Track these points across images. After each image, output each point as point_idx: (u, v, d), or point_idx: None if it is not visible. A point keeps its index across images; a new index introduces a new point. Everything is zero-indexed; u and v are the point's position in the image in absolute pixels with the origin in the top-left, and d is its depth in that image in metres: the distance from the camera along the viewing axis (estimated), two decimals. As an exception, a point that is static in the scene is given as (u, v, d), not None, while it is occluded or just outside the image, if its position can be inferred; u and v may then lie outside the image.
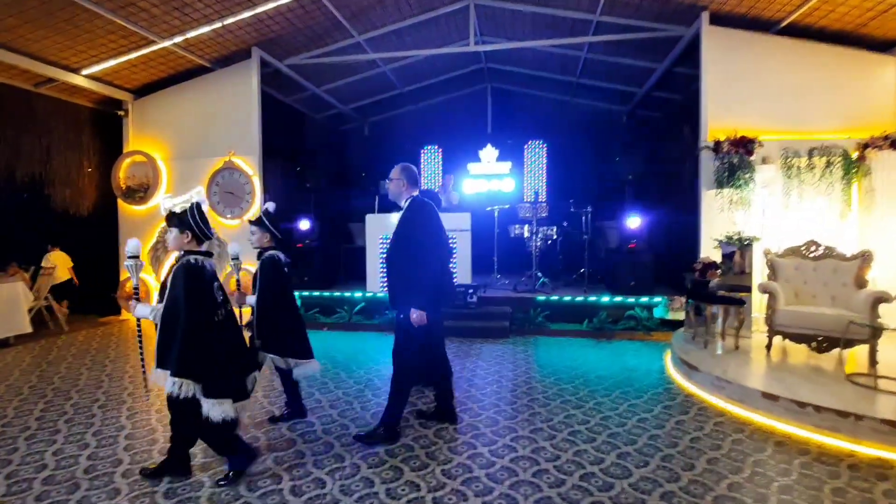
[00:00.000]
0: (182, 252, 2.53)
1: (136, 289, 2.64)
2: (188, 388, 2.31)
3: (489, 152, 9.76)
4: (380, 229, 6.96)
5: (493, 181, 9.67)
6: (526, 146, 9.93)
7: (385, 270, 3.70)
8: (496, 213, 7.51)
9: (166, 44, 6.25)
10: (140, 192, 7.06)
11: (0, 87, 6.25)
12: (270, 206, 3.33)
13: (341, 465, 2.69)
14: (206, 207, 2.68)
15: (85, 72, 6.51)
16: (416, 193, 3.03)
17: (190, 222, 2.50)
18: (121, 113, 7.29)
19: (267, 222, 3.18)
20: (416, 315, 2.82)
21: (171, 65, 6.94)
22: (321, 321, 6.61)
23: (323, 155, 10.36)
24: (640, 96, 8.92)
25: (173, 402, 2.35)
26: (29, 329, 5.63)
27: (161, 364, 2.38)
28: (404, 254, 2.92)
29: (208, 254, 2.58)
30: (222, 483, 2.47)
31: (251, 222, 3.25)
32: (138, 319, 2.51)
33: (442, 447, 2.90)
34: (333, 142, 11.23)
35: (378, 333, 6.18)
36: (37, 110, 6.73)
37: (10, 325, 5.45)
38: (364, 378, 4.30)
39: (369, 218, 7.11)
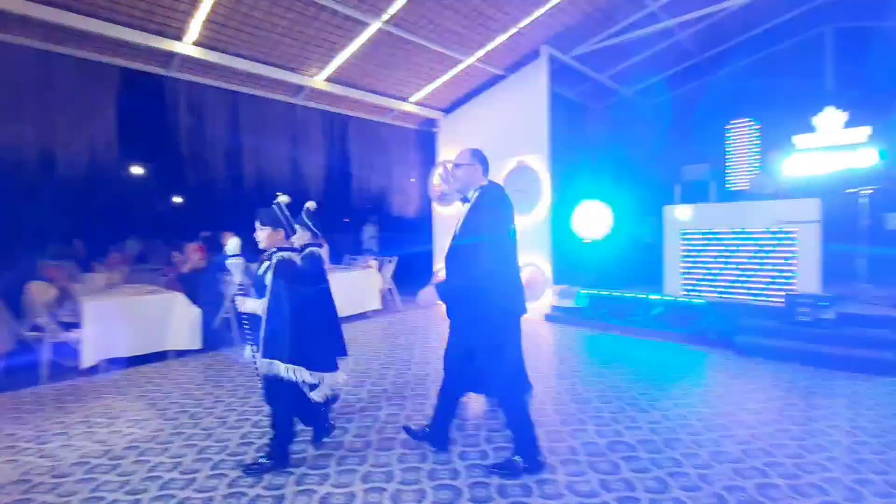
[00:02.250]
0: (275, 248, 2.60)
1: (241, 285, 2.72)
2: (298, 373, 2.49)
3: (831, 117, 7.17)
4: (681, 222, 5.95)
5: (840, 154, 7.05)
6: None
7: (447, 271, 2.62)
8: (860, 198, 5.33)
9: (470, 60, 6.95)
10: (450, 196, 8.16)
11: (360, 121, 8.26)
12: (311, 204, 3.22)
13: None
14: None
15: (412, 99, 7.92)
16: (486, 182, 2.59)
17: (281, 220, 2.64)
18: (435, 130, 8.61)
19: (307, 220, 3.01)
20: (427, 294, 2.44)
21: (472, 80, 7.72)
22: (610, 323, 6.12)
23: (606, 146, 9.81)
24: None
25: (279, 387, 2.52)
26: (379, 306, 7.25)
27: (267, 354, 2.51)
28: (475, 249, 2.39)
29: (295, 249, 2.71)
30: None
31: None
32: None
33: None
34: (615, 131, 10.51)
35: (681, 345, 5.25)
36: (381, 136, 8.65)
37: (368, 301, 7.12)
38: (660, 398, 3.60)
39: (669, 210, 6.17)
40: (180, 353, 5.01)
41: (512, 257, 2.55)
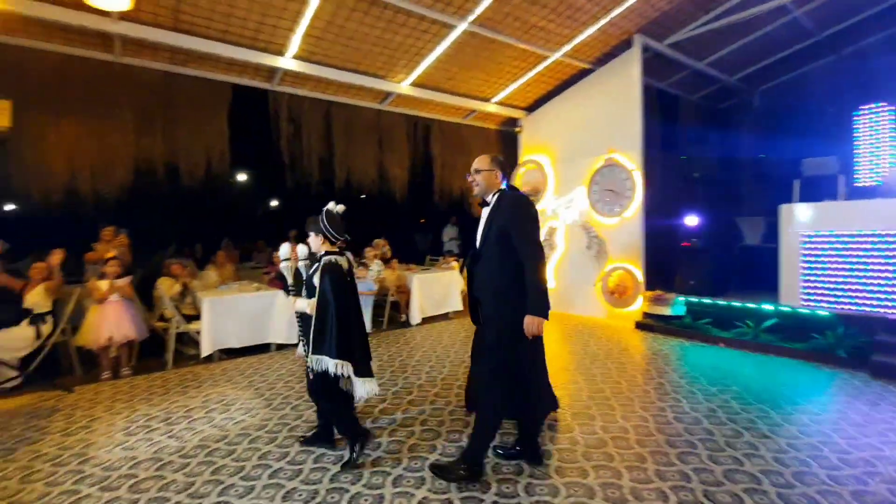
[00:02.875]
0: (323, 252, 2.77)
1: (290, 287, 2.91)
2: (345, 368, 2.61)
3: None
4: (802, 222, 5.27)
5: None
6: None
7: (468, 281, 2.65)
8: None
9: (556, 56, 6.72)
10: (532, 196, 7.98)
11: (442, 123, 8.34)
12: (332, 206, 3.05)
13: None
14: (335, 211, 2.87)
15: (494, 100, 7.84)
16: (504, 186, 2.64)
17: (322, 228, 2.77)
18: (517, 129, 8.46)
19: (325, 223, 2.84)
20: (533, 324, 2.35)
21: (558, 76, 7.46)
22: (714, 335, 5.57)
23: (703, 140, 9.02)
24: None
25: (327, 383, 2.65)
26: (461, 308, 7.27)
27: (316, 350, 2.62)
28: (502, 256, 2.44)
29: (341, 252, 2.84)
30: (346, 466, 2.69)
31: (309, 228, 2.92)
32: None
33: None
34: (713, 123, 9.62)
35: (801, 363, 4.64)
36: (463, 137, 8.67)
37: (450, 303, 7.17)
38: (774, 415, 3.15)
39: (787, 209, 5.48)
40: (280, 346, 5.39)
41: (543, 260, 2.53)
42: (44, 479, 2.63)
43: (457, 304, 7.26)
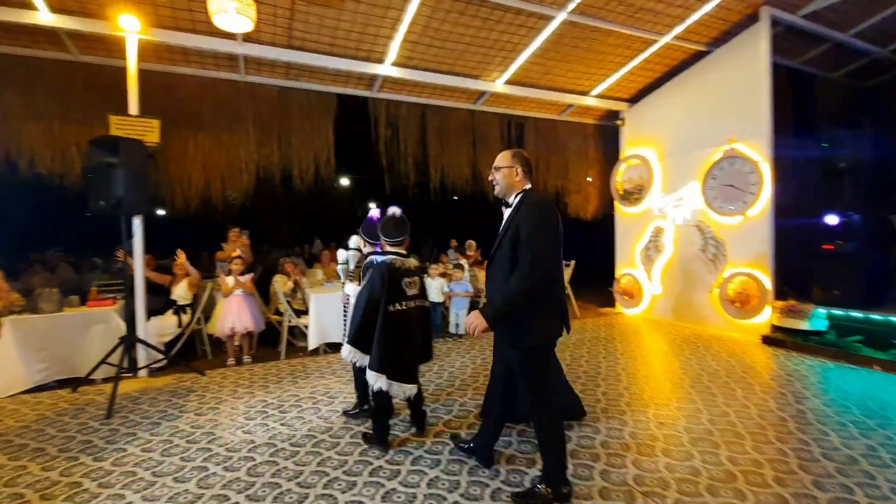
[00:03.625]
0: (367, 251, 3.28)
1: (350, 273, 3.57)
2: (356, 356, 2.94)
3: None
4: None
5: None
6: None
7: (486, 285, 2.55)
8: None
9: (665, 39, 6.13)
10: (635, 194, 7.40)
11: (536, 120, 8.08)
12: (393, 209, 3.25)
13: None
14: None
15: (593, 93, 7.40)
16: (529, 186, 2.44)
17: (360, 232, 3.28)
18: (619, 122, 7.91)
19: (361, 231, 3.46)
20: (475, 319, 2.31)
21: (666, 62, 6.82)
22: (867, 355, 4.67)
23: (847, 124, 7.64)
24: None
25: (356, 370, 3.06)
26: (555, 312, 6.97)
27: (349, 340, 2.98)
28: (509, 260, 2.27)
29: (384, 253, 3.07)
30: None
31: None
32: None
33: None
34: (859, 104, 8.13)
35: None
36: (558, 134, 8.33)
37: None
38: None
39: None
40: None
41: (558, 270, 2.35)
42: (179, 453, 2.97)
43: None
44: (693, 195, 6.67)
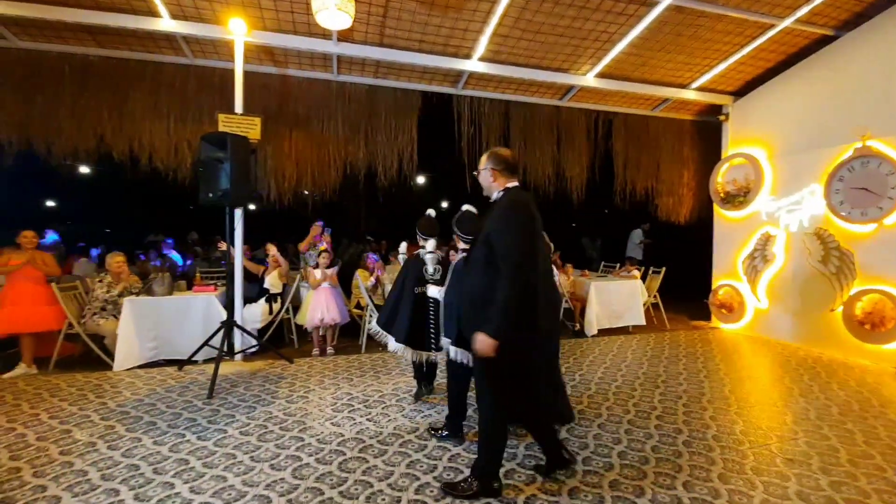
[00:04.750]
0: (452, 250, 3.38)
1: (430, 276, 3.50)
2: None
3: None
4: None
5: None
6: None
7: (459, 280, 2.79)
8: None
9: (785, 23, 5.44)
10: (739, 197, 6.69)
11: (626, 117, 7.57)
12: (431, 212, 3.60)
13: None
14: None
15: (693, 85, 6.78)
16: (512, 184, 2.42)
17: (454, 229, 3.09)
18: (721, 118, 7.20)
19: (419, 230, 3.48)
20: (483, 343, 2.13)
21: (783, 49, 6.07)
22: None
23: None
24: None
25: (457, 365, 2.92)
26: (643, 321, 6.49)
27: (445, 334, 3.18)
28: (484, 260, 2.25)
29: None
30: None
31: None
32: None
33: None
34: None
35: None
36: (650, 131, 7.75)
37: (631, 315, 6.46)
38: None
39: None
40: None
41: (533, 266, 2.21)
42: (274, 440, 3.05)
43: (639, 317, 6.49)
44: (813, 199, 5.89)
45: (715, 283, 7.14)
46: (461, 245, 3.07)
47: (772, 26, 5.55)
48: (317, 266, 5.38)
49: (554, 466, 2.59)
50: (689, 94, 6.88)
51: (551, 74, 6.14)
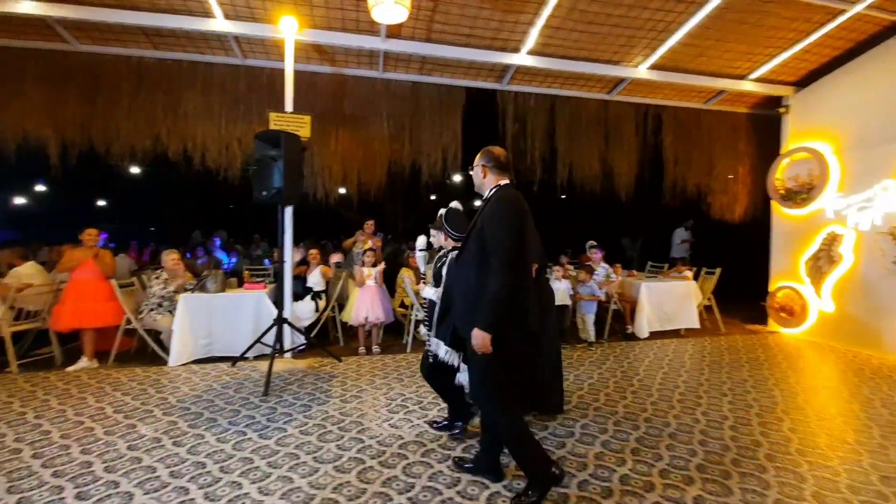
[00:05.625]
0: (451, 248, 2.98)
1: (422, 274, 3.62)
2: (454, 357, 2.81)
3: None
4: None
5: None
6: None
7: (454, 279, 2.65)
8: None
9: (858, 8, 5.07)
10: (802, 194, 6.30)
11: (677, 110, 7.25)
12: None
13: None
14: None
15: (752, 76, 6.42)
16: (504, 182, 2.39)
17: (444, 226, 2.97)
18: (781, 110, 6.80)
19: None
20: (478, 338, 2.13)
21: (852, 36, 5.68)
22: None
23: None
24: None
25: (439, 366, 2.89)
26: (696, 324, 6.20)
27: (437, 334, 2.94)
28: (477, 258, 2.24)
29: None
30: None
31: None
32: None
33: None
34: None
35: None
36: (702, 125, 7.41)
37: (684, 318, 6.17)
38: None
39: None
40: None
41: (524, 264, 2.24)
42: (335, 441, 3.01)
43: (692, 319, 6.20)
44: (886, 196, 5.48)
45: (773, 285, 6.76)
46: (451, 243, 2.98)
47: (842, 12, 5.18)
48: (363, 264, 5.36)
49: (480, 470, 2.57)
50: (747, 86, 6.52)
51: (602, 67, 5.92)
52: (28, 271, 5.01)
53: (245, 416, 3.39)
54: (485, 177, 2.41)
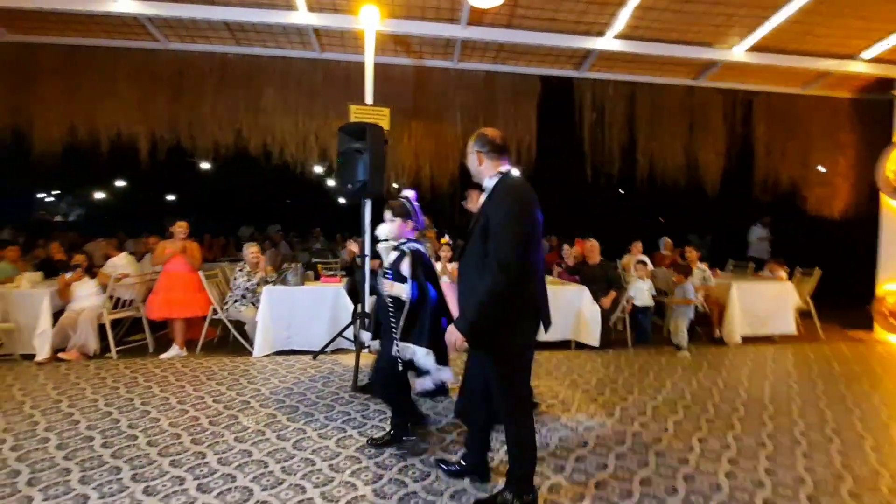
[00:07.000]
0: (405, 240, 2.67)
1: (388, 270, 2.79)
2: (430, 357, 2.51)
3: None
4: None
5: None
6: None
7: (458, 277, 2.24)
8: None
9: None
10: (922, 187, 5.63)
11: (769, 96, 6.66)
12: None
13: None
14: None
15: (865, 55, 5.78)
16: (504, 169, 2.13)
17: (411, 213, 2.70)
18: (894, 94, 6.10)
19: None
20: (452, 334, 2.00)
21: None
22: None
23: None
24: None
25: (394, 371, 2.61)
26: (793, 330, 5.70)
27: (405, 338, 2.56)
28: (483, 255, 2.00)
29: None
30: None
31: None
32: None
33: None
34: None
35: None
36: (798, 112, 6.79)
37: (778, 322, 5.68)
38: None
39: None
40: (580, 346, 5.14)
41: (530, 262, 2.03)
42: (436, 442, 2.91)
43: (788, 324, 5.70)
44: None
45: (881, 289, 6.11)
46: (408, 233, 2.69)
47: None
48: (438, 259, 5.25)
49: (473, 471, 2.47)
50: (857, 66, 5.88)
51: (693, 49, 5.50)
52: (123, 262, 5.25)
53: (339, 411, 3.36)
54: (481, 164, 2.17)
